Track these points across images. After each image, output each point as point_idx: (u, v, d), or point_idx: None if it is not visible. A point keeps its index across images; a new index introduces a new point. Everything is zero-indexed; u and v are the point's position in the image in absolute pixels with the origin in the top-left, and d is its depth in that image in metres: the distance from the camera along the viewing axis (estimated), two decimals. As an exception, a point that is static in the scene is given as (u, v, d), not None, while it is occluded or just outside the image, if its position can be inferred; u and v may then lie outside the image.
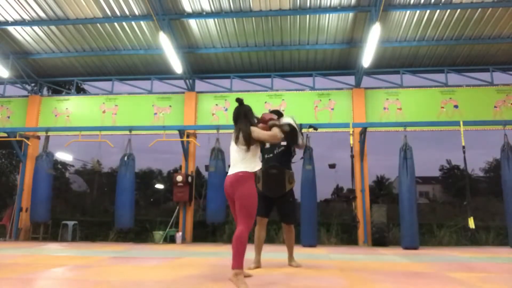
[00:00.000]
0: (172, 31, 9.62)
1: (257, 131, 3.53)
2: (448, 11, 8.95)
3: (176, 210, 10.19)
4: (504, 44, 9.87)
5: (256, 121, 3.74)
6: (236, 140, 3.55)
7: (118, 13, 9.37)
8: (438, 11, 8.96)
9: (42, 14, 9.47)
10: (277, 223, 10.27)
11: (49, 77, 11.97)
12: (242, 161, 3.48)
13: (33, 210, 9.95)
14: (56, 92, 13.09)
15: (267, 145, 4.54)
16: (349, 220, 10.16)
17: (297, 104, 10.68)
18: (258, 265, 4.39)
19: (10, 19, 9.69)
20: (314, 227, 8.84)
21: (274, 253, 6.44)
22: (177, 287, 3.14)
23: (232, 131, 3.68)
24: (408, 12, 9.07)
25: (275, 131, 3.62)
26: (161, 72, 11.34)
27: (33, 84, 11.74)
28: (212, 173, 9.49)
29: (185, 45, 10.31)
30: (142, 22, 9.63)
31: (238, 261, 3.14)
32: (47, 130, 10.54)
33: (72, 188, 25.06)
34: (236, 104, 3.71)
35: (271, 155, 4.58)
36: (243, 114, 3.62)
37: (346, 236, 9.90)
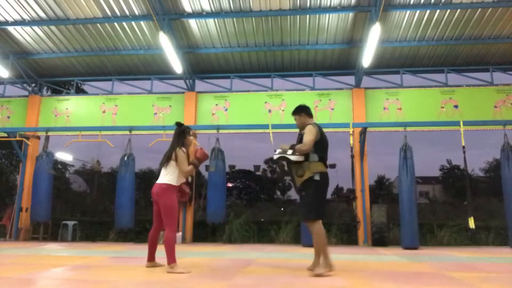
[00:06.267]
0: (172, 31, 9.62)
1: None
2: (448, 11, 8.95)
3: (176, 210, 10.17)
4: (504, 44, 9.87)
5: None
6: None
7: (118, 13, 9.37)
8: (438, 11, 8.96)
9: (42, 14, 9.47)
10: (277, 223, 10.27)
11: (49, 77, 11.97)
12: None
13: (34, 210, 9.93)
14: (56, 92, 13.10)
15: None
16: (349, 220, 10.16)
17: (297, 104, 10.60)
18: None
19: (10, 19, 9.69)
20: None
21: (275, 253, 6.44)
22: (177, 286, 3.14)
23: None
24: (408, 12, 9.07)
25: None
26: (161, 72, 11.34)
27: (33, 84, 11.73)
28: (212, 173, 9.48)
29: (185, 45, 10.31)
30: (142, 22, 9.64)
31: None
32: (47, 130, 10.53)
33: (72, 188, 25.00)
34: None
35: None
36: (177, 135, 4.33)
37: (346, 236, 9.90)
